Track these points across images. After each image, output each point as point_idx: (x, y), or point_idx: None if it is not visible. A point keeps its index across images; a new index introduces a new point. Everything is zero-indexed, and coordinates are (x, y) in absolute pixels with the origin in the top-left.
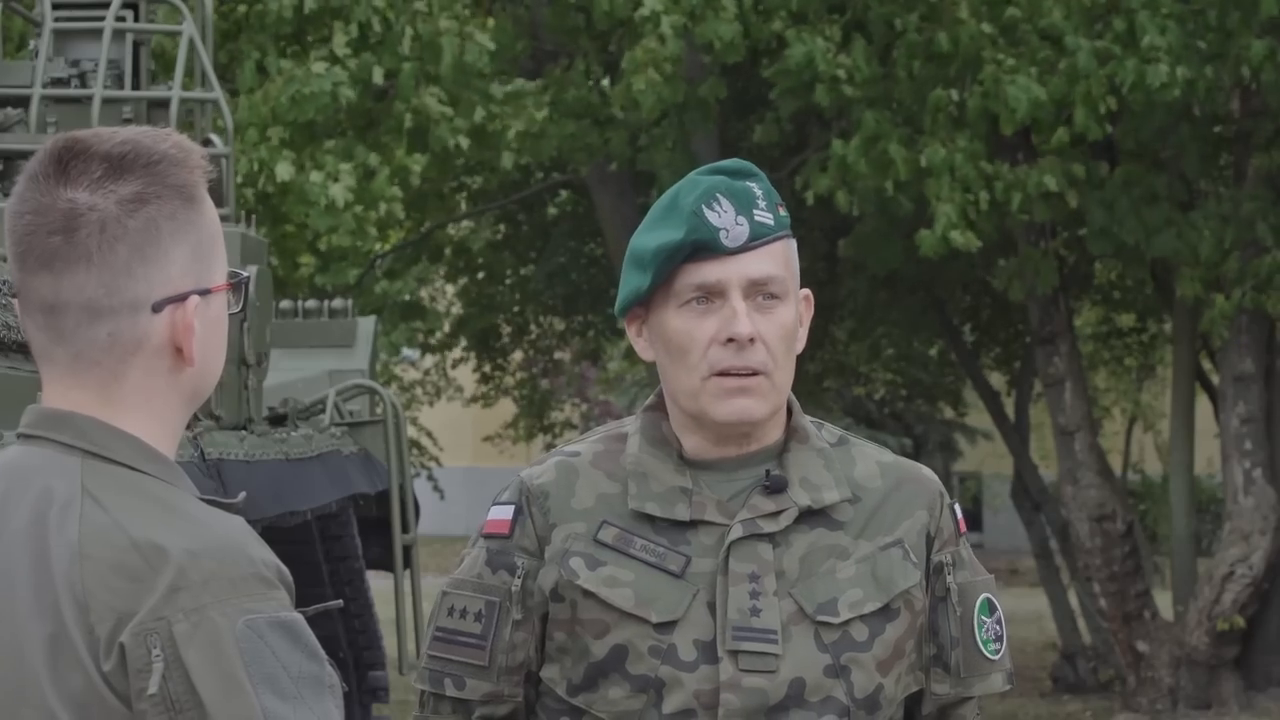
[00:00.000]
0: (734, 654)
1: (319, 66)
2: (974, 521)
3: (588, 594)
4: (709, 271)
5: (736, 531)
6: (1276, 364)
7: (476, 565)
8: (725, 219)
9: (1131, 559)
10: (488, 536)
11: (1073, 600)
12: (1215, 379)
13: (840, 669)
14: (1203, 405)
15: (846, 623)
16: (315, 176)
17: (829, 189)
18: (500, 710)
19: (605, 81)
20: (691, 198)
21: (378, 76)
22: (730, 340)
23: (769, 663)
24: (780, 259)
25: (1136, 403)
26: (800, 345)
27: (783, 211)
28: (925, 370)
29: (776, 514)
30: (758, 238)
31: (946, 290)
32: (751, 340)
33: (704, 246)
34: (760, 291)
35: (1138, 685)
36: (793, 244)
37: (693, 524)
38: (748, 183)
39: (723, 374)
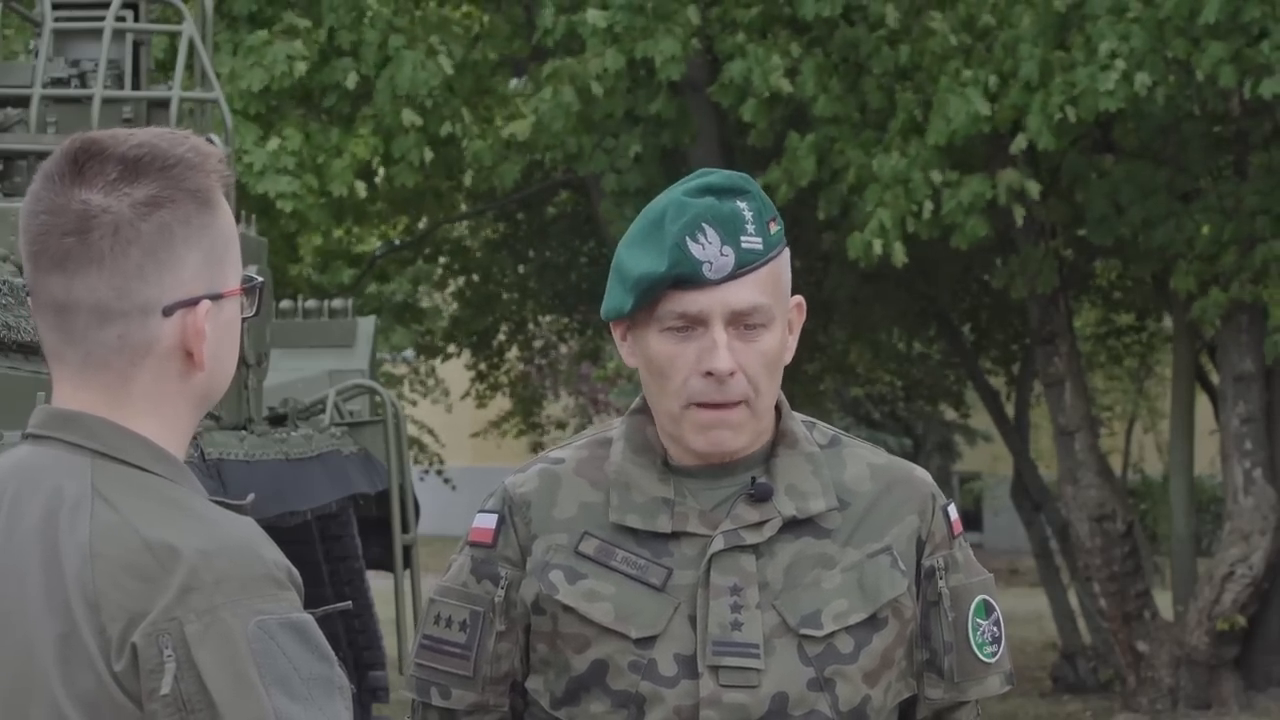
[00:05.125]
0: (714, 669)
1: (260, 36)
2: (974, 522)
3: (567, 608)
4: (691, 301)
5: (718, 544)
6: (1277, 364)
7: (462, 574)
8: (709, 251)
9: (1131, 559)
10: (473, 545)
11: (1073, 600)
12: (1215, 379)
13: (824, 682)
14: (1203, 405)
15: (831, 635)
16: (271, 144)
17: (776, 181)
18: (486, 719)
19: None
20: (677, 226)
21: (351, 81)
22: (709, 373)
23: (750, 677)
24: (767, 284)
25: (1136, 403)
26: (789, 355)
27: (774, 228)
28: (925, 370)
29: (760, 524)
30: (743, 266)
31: (937, 286)
32: (731, 373)
33: (686, 280)
34: (743, 321)
35: (1138, 685)
36: (783, 259)
37: (675, 535)
38: (737, 203)
39: (702, 405)
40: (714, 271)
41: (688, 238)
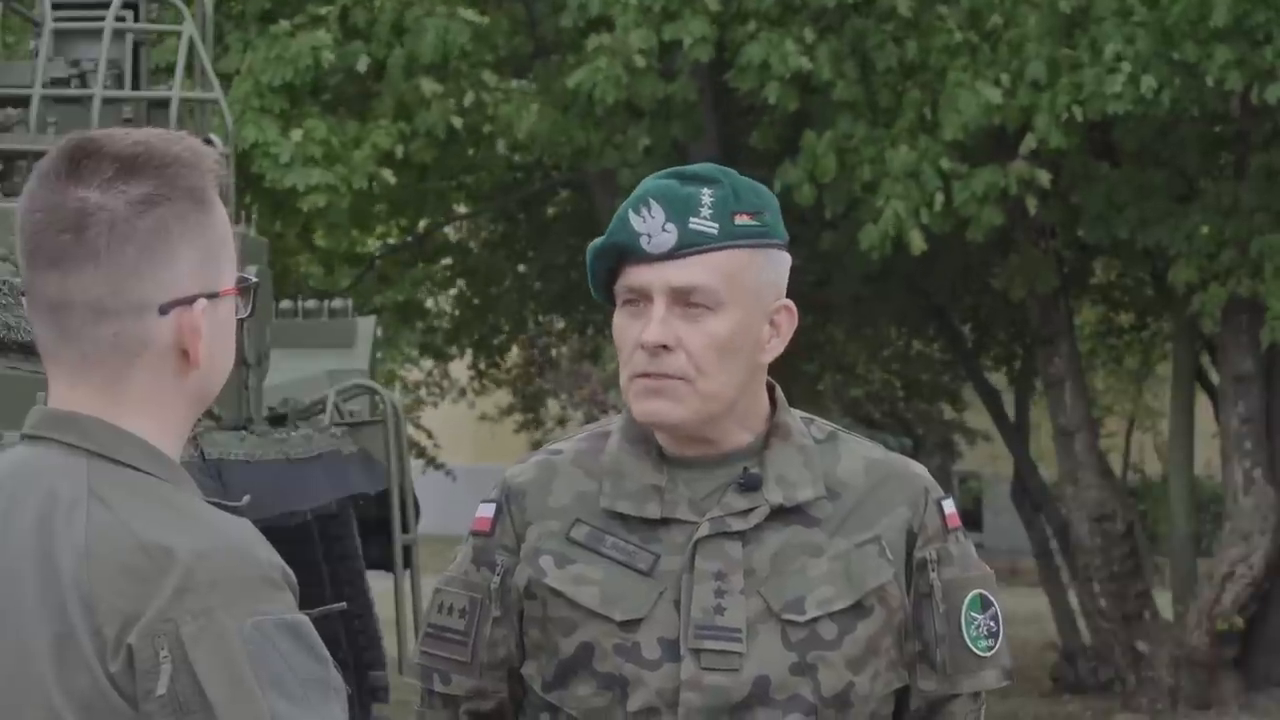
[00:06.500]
0: (696, 652)
1: (282, 27)
2: (974, 522)
3: (556, 592)
4: (635, 276)
5: (704, 529)
6: (1276, 364)
7: (464, 563)
8: (650, 225)
9: (1131, 559)
10: (474, 534)
11: (1073, 600)
12: (1215, 379)
13: (806, 667)
14: (1203, 405)
15: (814, 620)
16: (295, 135)
17: (797, 181)
18: (486, 705)
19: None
20: (629, 201)
21: (362, 65)
22: (644, 346)
23: (731, 661)
24: (718, 269)
25: (1136, 403)
26: (769, 356)
27: (742, 220)
28: (925, 370)
29: (747, 512)
30: (688, 246)
31: (937, 285)
32: (666, 347)
33: (627, 251)
34: (685, 300)
35: (1138, 685)
36: (754, 254)
37: (664, 522)
38: (701, 189)
39: (643, 375)
40: (652, 246)
41: (631, 210)
